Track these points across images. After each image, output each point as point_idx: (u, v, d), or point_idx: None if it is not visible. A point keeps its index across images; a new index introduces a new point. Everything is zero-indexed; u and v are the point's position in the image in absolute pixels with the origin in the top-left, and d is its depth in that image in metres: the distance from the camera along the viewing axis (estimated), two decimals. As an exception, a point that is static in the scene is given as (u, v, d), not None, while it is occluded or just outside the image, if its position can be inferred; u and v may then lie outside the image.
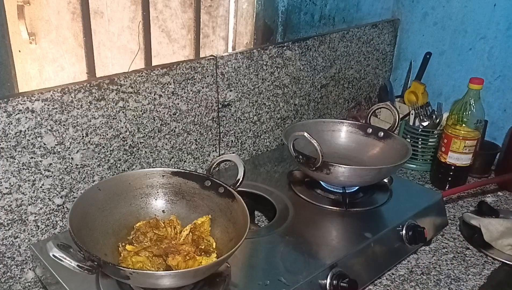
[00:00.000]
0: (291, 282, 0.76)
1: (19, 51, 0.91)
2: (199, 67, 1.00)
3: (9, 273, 0.84)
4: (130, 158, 0.95)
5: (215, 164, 0.84)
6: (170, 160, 1.03)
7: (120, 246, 0.76)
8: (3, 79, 0.78)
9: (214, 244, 0.78)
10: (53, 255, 0.62)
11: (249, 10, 1.20)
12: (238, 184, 0.82)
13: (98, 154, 0.89)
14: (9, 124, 0.76)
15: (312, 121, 1.19)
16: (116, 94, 0.88)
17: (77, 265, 0.63)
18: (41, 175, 0.82)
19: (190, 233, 0.78)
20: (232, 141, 1.15)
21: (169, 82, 0.96)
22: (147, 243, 0.76)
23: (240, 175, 0.82)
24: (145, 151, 0.97)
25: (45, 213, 0.85)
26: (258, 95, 1.16)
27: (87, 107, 0.85)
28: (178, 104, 0.99)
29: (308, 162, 0.94)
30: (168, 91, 0.96)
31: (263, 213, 1.05)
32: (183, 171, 0.85)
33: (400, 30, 1.52)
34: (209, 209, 0.82)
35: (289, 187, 1.04)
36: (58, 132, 0.82)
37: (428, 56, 1.42)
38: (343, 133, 1.14)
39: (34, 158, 0.80)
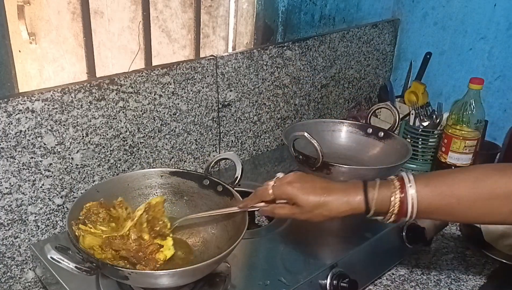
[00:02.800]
0: (291, 282, 0.76)
1: (19, 51, 0.91)
2: (199, 67, 1.00)
3: (9, 273, 0.84)
4: (130, 158, 0.95)
5: (213, 162, 0.84)
6: (170, 160, 1.03)
7: (74, 225, 0.73)
8: (3, 79, 0.78)
9: (169, 224, 0.76)
10: (51, 257, 0.62)
11: (249, 10, 1.20)
12: (236, 182, 0.82)
13: (98, 154, 0.89)
14: (9, 124, 0.76)
15: (312, 121, 1.19)
16: (116, 94, 0.88)
17: (75, 267, 0.63)
18: (41, 175, 0.82)
19: (145, 213, 0.77)
20: (232, 141, 1.15)
21: (169, 82, 0.96)
22: (101, 224, 0.74)
23: (238, 173, 0.82)
24: (145, 151, 0.97)
25: (45, 213, 0.85)
26: (258, 95, 1.16)
27: (87, 107, 0.85)
28: (178, 104, 0.99)
29: (308, 162, 0.94)
30: (168, 91, 0.96)
31: (263, 213, 1.05)
32: (181, 170, 0.85)
33: (400, 30, 1.52)
34: (208, 208, 0.82)
35: (289, 187, 1.04)
36: (58, 132, 0.82)
37: (428, 56, 1.42)
38: (343, 133, 1.14)
39: (34, 158, 0.81)
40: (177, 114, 1.00)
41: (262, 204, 0.73)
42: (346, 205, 0.68)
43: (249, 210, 0.75)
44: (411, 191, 0.65)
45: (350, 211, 0.68)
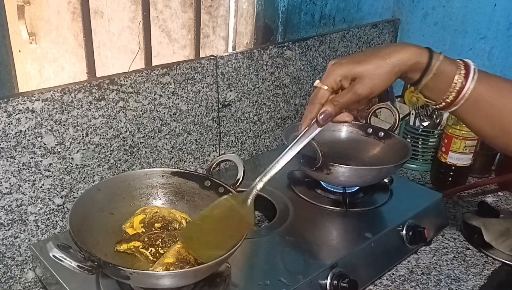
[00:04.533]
0: (291, 282, 0.76)
1: (19, 51, 0.91)
2: (199, 67, 1.00)
3: (9, 273, 0.84)
4: (130, 158, 0.95)
5: (214, 164, 0.84)
6: (170, 160, 1.03)
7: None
8: (3, 79, 0.78)
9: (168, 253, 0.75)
10: (53, 256, 0.62)
11: (250, 10, 1.20)
12: (238, 184, 0.82)
13: (98, 154, 0.89)
14: (9, 124, 0.76)
15: (312, 121, 1.19)
16: (116, 94, 0.88)
17: (77, 265, 0.63)
18: (41, 175, 0.82)
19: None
20: (232, 141, 1.15)
21: (169, 82, 0.96)
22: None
23: (240, 175, 0.82)
24: (145, 151, 0.97)
25: (45, 213, 0.85)
26: (258, 95, 1.16)
27: (87, 107, 0.85)
28: (178, 104, 0.99)
29: (309, 162, 0.94)
30: (168, 91, 0.96)
31: (263, 213, 1.05)
32: (182, 171, 0.85)
33: (400, 30, 1.52)
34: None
35: (289, 187, 1.04)
36: (58, 132, 0.82)
37: (428, 56, 1.42)
38: (343, 133, 1.14)
39: (34, 158, 0.80)
40: (177, 114, 1.00)
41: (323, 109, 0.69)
42: (409, 52, 0.64)
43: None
44: (472, 84, 0.64)
45: (414, 59, 0.64)
